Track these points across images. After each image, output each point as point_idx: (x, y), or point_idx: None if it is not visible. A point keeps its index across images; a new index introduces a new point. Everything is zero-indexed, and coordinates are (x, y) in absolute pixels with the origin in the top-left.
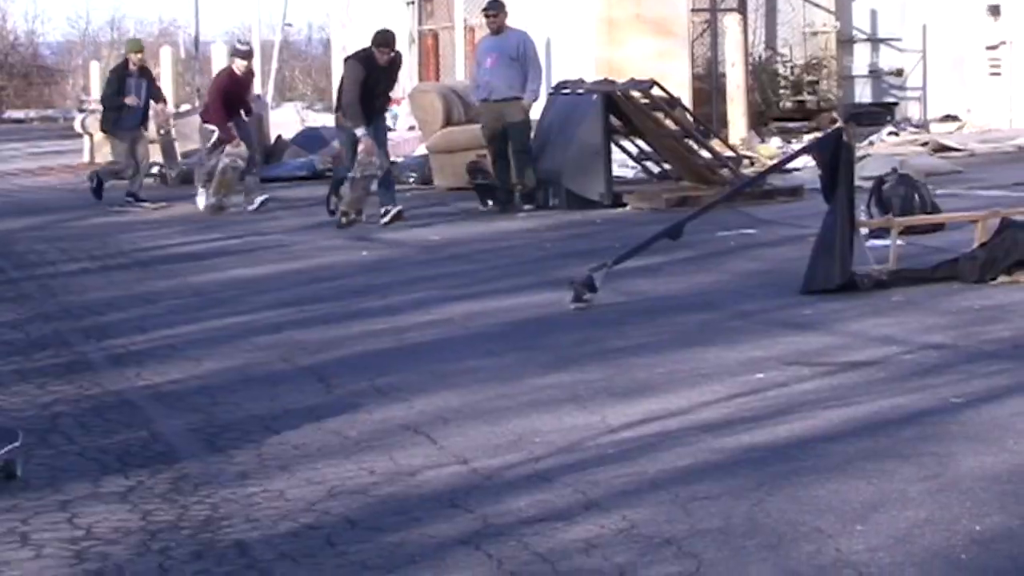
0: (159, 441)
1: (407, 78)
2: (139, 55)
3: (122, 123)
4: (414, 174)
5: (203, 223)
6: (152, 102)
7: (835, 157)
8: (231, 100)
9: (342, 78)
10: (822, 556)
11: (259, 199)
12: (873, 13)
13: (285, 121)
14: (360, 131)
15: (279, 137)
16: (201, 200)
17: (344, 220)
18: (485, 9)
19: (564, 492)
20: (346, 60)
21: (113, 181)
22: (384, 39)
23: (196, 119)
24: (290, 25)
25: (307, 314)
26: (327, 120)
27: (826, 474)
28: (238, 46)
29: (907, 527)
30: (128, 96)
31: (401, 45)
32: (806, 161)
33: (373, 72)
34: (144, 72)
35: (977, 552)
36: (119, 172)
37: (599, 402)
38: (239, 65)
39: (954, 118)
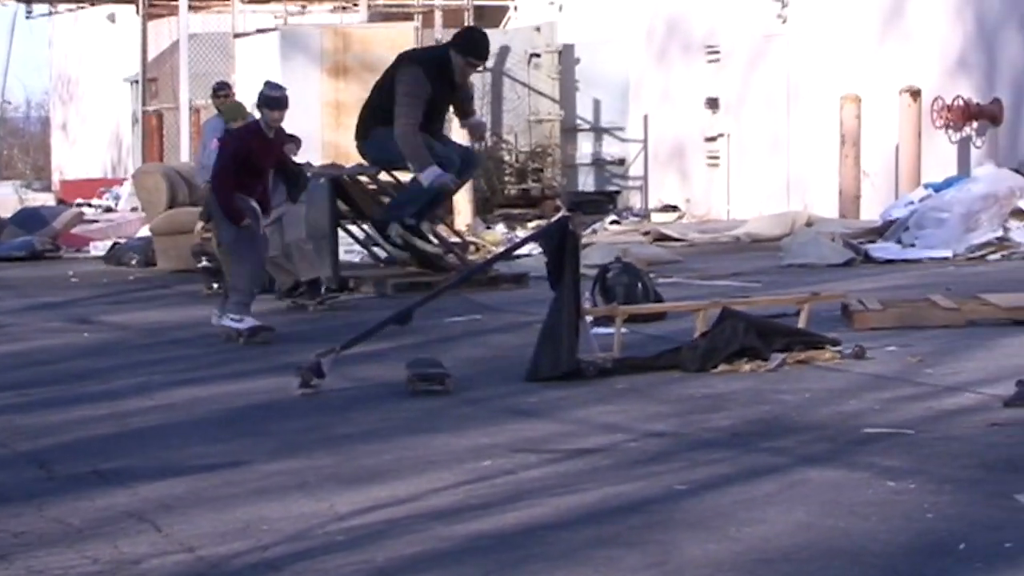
0: None
1: (129, 159)
2: (236, 123)
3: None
4: (137, 256)
5: None
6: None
7: (561, 245)
8: (250, 169)
9: None
10: None
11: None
12: (596, 103)
13: (3, 200)
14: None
15: None
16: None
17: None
18: (215, 90)
19: None
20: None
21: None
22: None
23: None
24: (8, 103)
25: (26, 398)
26: (47, 199)
27: (554, 561)
28: (268, 91)
29: None
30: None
31: (124, 125)
32: (531, 248)
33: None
34: None
35: None
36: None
37: (327, 489)
38: (272, 118)
39: (674, 208)
